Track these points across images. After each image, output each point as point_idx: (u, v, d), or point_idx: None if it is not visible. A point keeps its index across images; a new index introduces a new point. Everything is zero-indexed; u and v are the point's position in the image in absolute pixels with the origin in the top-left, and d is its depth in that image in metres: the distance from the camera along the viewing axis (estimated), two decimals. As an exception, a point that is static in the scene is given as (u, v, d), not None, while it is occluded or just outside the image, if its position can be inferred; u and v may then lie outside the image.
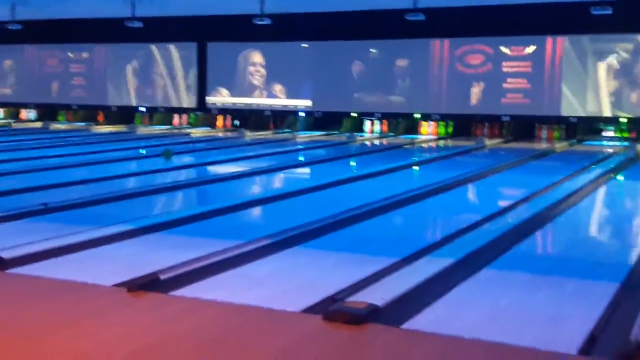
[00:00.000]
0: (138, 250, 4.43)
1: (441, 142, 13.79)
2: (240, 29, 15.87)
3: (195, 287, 3.77)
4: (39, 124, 16.71)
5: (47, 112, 18.01)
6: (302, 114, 15.97)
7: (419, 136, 14.54)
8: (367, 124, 15.38)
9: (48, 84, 17.92)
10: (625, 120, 13.17)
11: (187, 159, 10.55)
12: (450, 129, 14.67)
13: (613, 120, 13.36)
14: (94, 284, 3.59)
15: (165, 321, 3.21)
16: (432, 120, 14.71)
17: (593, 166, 9.72)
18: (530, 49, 13.69)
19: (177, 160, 10.02)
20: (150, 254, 4.47)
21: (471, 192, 8.02)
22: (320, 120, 15.83)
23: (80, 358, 2.63)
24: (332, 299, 3.55)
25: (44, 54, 18.00)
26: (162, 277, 3.89)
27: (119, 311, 3.21)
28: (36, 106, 18.21)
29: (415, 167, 10.35)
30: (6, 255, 4.01)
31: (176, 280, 3.86)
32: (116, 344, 2.79)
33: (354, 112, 15.36)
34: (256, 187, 8.39)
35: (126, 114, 17.28)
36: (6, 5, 16.22)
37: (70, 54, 17.76)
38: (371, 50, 15.18)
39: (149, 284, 3.77)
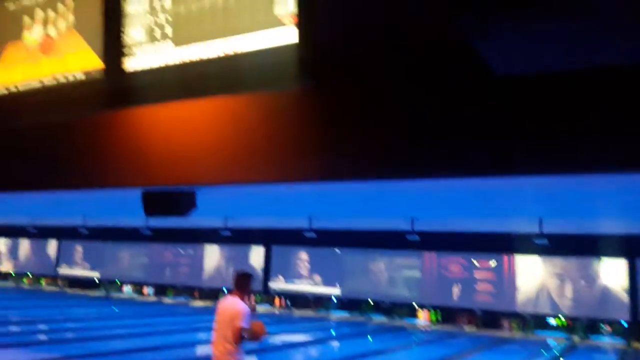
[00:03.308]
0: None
1: (432, 326, 13.55)
2: (294, 237, 16.49)
3: None
4: (154, 298, 16.99)
5: (161, 289, 18.28)
6: (333, 299, 16.03)
7: (417, 320, 14.36)
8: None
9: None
10: (562, 316, 12.95)
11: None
12: (438, 317, 14.49)
13: (555, 316, 13.11)
14: None
15: None
16: (426, 309, 14.62)
17: (542, 350, 9.46)
18: (493, 263, 13.87)
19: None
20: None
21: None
22: (346, 304, 15.83)
23: None
24: None
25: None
26: None
27: None
28: (154, 285, 18.47)
29: (416, 344, 10.17)
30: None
31: None
32: None
33: (370, 300, 15.43)
34: (299, 355, 8.33)
35: (215, 293, 17.45)
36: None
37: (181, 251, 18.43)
38: (381, 258, 15.55)
39: None
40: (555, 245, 12.49)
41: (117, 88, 2.53)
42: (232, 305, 3.45)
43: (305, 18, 2.02)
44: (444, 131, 2.56)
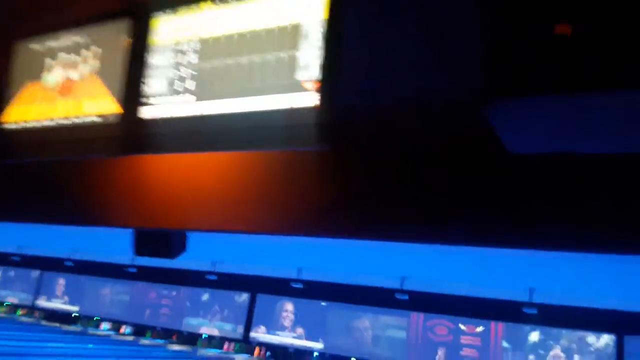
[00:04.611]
0: None
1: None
2: (280, 287, 16.26)
3: None
4: (131, 337, 16.51)
5: (140, 329, 17.77)
6: (315, 353, 15.61)
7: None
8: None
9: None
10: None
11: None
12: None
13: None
14: None
15: None
16: (409, 371, 14.22)
17: None
18: (480, 328, 13.66)
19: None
20: None
21: None
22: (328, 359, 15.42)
23: None
24: None
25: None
26: None
27: None
28: (132, 324, 17.98)
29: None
30: None
31: None
32: None
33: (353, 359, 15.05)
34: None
35: (193, 338, 16.98)
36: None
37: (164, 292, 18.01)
38: (366, 315, 15.29)
39: None
40: (544, 316, 12.34)
41: (131, 134, 2.53)
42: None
43: (328, 85, 2.05)
44: (451, 199, 2.57)
